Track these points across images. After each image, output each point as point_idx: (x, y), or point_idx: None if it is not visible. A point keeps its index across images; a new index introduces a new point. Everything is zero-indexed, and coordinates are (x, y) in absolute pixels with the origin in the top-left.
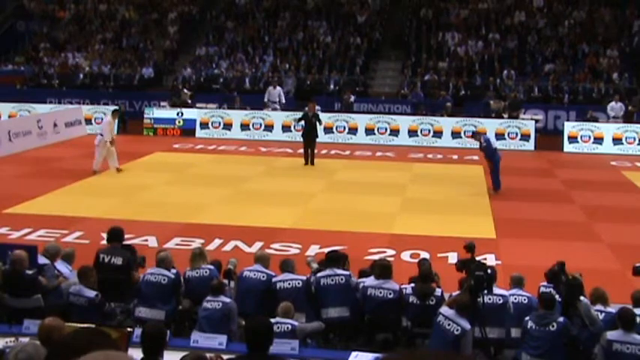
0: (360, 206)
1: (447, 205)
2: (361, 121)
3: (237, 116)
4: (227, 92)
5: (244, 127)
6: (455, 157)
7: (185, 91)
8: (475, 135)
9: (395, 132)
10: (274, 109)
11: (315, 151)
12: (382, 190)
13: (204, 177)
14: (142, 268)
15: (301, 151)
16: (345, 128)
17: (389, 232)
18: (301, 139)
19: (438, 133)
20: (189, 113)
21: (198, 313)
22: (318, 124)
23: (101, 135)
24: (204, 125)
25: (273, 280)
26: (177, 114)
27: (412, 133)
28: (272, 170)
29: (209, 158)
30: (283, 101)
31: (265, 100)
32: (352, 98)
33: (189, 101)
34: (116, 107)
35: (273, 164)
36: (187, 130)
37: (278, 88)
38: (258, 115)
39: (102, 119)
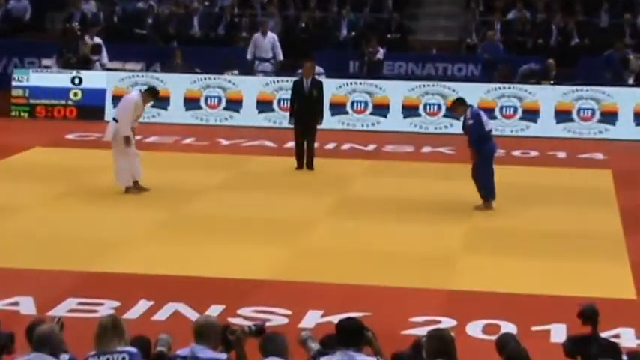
0: (393, 242)
1: (548, 240)
2: (395, 92)
3: (178, 84)
4: (160, 42)
5: (191, 103)
6: (562, 154)
7: (88, 39)
8: (455, 106)
9: None
10: (264, 72)
11: (316, 144)
12: (432, 213)
13: (118, 191)
14: (9, 355)
15: (291, 144)
16: (367, 105)
17: (444, 288)
18: (291, 125)
19: (530, 113)
20: (93, 79)
21: None
22: (318, 99)
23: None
24: (119, 100)
25: None
26: (73, 81)
27: (485, 112)
28: (241, 179)
29: None
30: (280, 57)
31: (249, 56)
32: (380, 53)
33: (102, 60)
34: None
35: (243, 168)
36: (90, 108)
37: (270, 35)
38: (215, 82)
39: None
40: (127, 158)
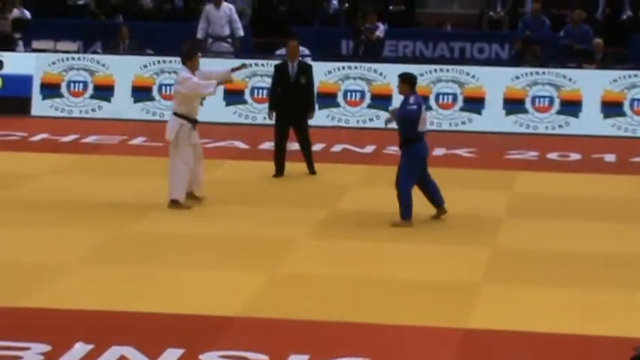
0: (395, 267)
1: (591, 266)
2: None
3: (124, 70)
4: (102, 16)
5: (141, 93)
6: (610, 157)
7: (16, 11)
8: (399, 82)
9: (474, 103)
10: (218, 53)
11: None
12: (445, 231)
13: (48, 206)
14: None
15: (267, 145)
16: (363, 96)
17: (460, 327)
18: (272, 120)
19: (570, 105)
20: (16, 63)
21: None
22: (307, 88)
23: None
24: (49, 89)
25: None
26: None
27: (513, 104)
28: (208, 188)
29: (60, 163)
30: (240, 33)
31: (200, 35)
32: (380, 30)
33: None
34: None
35: (211, 174)
36: (12, 100)
37: (226, 5)
38: (170, 66)
39: None
40: (186, 161)
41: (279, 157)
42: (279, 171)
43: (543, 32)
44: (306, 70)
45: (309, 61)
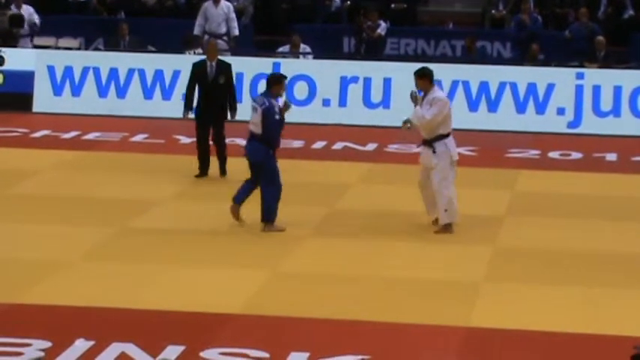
0: (397, 266)
1: (593, 264)
2: (402, 78)
3: (127, 66)
4: (103, 13)
5: (143, 90)
6: (611, 156)
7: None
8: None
9: (476, 102)
10: (219, 51)
11: (300, 143)
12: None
13: (49, 202)
14: None
15: None
16: (363, 94)
17: (461, 325)
18: (188, 118)
19: (568, 104)
20: (18, 59)
21: None
22: (227, 88)
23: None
24: (51, 86)
25: None
26: None
27: (513, 103)
28: (199, 188)
29: (61, 159)
30: (235, 32)
31: (197, 31)
32: (382, 28)
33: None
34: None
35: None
36: (14, 96)
37: (224, 3)
38: (171, 59)
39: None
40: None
41: (202, 157)
42: (203, 171)
43: (535, 30)
44: (225, 70)
45: (310, 58)
